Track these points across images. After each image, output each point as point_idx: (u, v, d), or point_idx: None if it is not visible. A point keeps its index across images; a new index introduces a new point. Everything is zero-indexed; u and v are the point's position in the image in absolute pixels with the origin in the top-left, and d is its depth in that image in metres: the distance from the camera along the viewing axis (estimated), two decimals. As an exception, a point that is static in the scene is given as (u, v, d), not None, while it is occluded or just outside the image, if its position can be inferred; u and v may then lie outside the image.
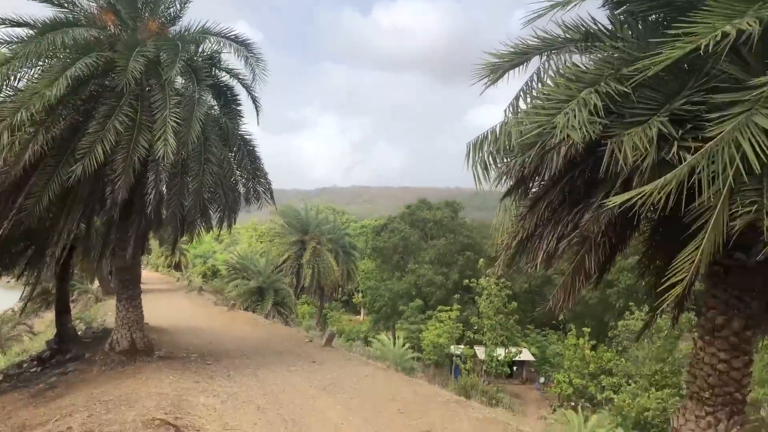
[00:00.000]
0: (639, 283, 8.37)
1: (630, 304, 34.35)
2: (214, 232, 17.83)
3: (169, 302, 33.88)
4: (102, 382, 13.77)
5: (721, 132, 5.52)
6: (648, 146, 5.98)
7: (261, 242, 53.04)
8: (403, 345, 28.60)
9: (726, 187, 5.49)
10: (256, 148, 16.44)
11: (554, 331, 55.77)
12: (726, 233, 5.65)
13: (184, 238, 19.19)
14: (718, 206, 5.55)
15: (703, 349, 7.49)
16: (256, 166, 16.50)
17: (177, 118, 12.92)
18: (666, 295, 5.87)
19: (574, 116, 6.30)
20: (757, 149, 5.32)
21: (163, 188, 13.97)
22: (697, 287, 13.21)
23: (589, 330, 41.87)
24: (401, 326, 56.39)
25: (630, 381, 30.62)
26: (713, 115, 5.84)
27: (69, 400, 12.34)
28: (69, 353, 19.40)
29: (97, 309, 36.32)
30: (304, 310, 53.78)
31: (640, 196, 5.77)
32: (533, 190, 8.29)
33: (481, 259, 46.48)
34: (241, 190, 16.39)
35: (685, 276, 5.67)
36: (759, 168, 5.32)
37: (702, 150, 5.55)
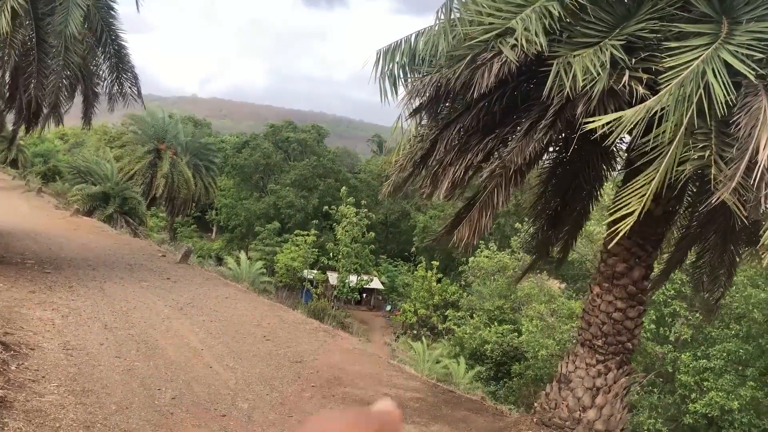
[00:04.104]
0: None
1: (480, 242, 35.61)
2: (63, 127, 15.75)
3: (2, 201, 30.40)
4: None
5: (689, 62, 5.17)
6: (600, 71, 5.55)
7: (111, 147, 48.85)
8: (259, 267, 27.90)
9: (687, 122, 5.17)
10: (121, 36, 14.35)
11: (405, 262, 57.57)
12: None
13: (24, 135, 16.84)
14: (675, 142, 5.23)
15: (600, 296, 7.41)
16: (121, 56, 14.42)
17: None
18: (613, 229, 5.54)
19: (533, 24, 5.73)
20: (721, 86, 5.05)
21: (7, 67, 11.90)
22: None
23: (437, 263, 43.46)
24: (255, 247, 55.38)
25: (474, 315, 32.07)
26: (673, 44, 5.48)
27: None
28: None
29: None
30: (152, 223, 51.02)
31: (616, 122, 5.26)
32: (442, 114, 7.70)
33: (344, 187, 46.23)
34: (104, 83, 14.34)
35: (636, 209, 5.35)
36: (723, 106, 5.05)
37: (677, 80, 5.14)
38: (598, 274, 7.72)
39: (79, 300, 11.68)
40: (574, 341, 21.39)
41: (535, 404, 7.86)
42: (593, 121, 5.37)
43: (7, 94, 13.46)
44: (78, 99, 14.36)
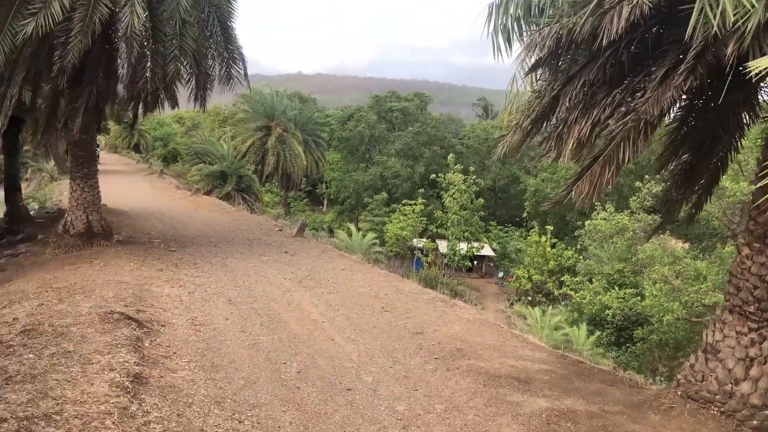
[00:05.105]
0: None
1: (596, 204, 33.94)
2: (179, 111, 16.41)
3: (128, 184, 32.37)
4: (55, 266, 12.69)
5: None
6: (755, 2, 4.87)
7: (224, 127, 50.84)
8: (370, 238, 28.12)
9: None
10: (231, 18, 14.53)
11: (516, 228, 56.31)
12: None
13: (142, 119, 17.68)
14: None
15: (750, 258, 6.64)
16: (228, 38, 14.62)
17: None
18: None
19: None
20: None
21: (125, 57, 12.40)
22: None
23: (551, 228, 42.13)
24: (365, 218, 56.06)
25: (593, 279, 30.85)
26: None
27: (18, 285, 11.30)
28: (20, 234, 18.24)
29: (51, 189, 34.64)
30: (267, 199, 52.82)
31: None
32: (562, 68, 7.11)
33: (451, 155, 45.59)
34: (214, 65, 14.63)
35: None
36: None
37: None
38: (746, 233, 6.90)
39: (204, 276, 12.09)
40: (703, 304, 19.96)
41: (678, 376, 7.22)
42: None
43: (128, 81, 14.01)
44: (192, 82, 14.76)
